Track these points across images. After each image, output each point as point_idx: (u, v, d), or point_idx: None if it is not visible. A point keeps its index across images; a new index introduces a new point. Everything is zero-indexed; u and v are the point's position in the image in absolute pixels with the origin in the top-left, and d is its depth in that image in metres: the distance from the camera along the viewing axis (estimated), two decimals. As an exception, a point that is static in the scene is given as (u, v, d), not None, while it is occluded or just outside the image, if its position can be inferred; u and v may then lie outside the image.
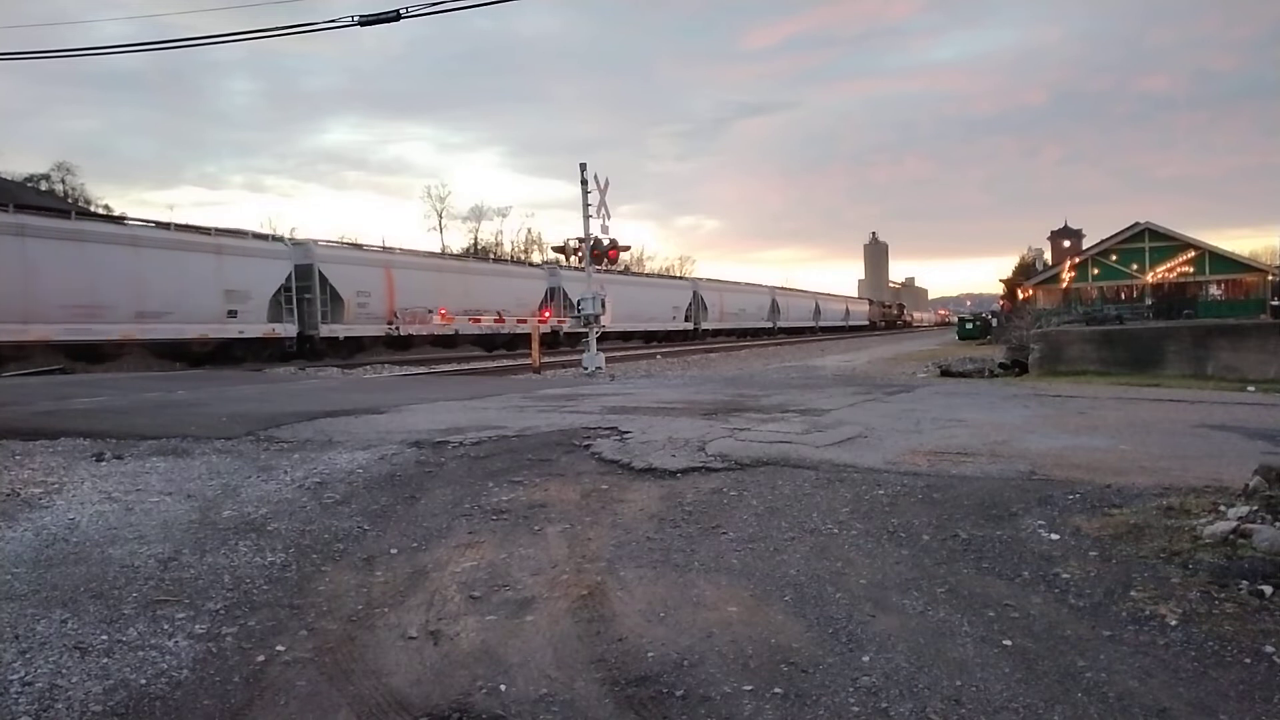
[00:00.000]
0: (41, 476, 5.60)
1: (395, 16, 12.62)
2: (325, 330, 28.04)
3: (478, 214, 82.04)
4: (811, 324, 73.77)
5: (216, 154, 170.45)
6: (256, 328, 25.97)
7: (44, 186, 53.08)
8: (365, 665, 2.96)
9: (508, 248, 78.78)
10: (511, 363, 25.84)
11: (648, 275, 60.90)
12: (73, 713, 2.66)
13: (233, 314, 25.29)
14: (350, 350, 29.11)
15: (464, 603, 3.47)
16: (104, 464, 6.03)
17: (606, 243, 19.60)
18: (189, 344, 24.27)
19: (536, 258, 70.98)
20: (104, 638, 3.16)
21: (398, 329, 30.03)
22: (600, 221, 19.28)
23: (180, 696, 2.78)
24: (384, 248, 29.97)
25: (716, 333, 55.01)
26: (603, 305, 19.35)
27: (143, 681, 2.86)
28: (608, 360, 22.38)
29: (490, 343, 35.03)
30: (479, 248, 75.45)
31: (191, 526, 4.50)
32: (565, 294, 38.74)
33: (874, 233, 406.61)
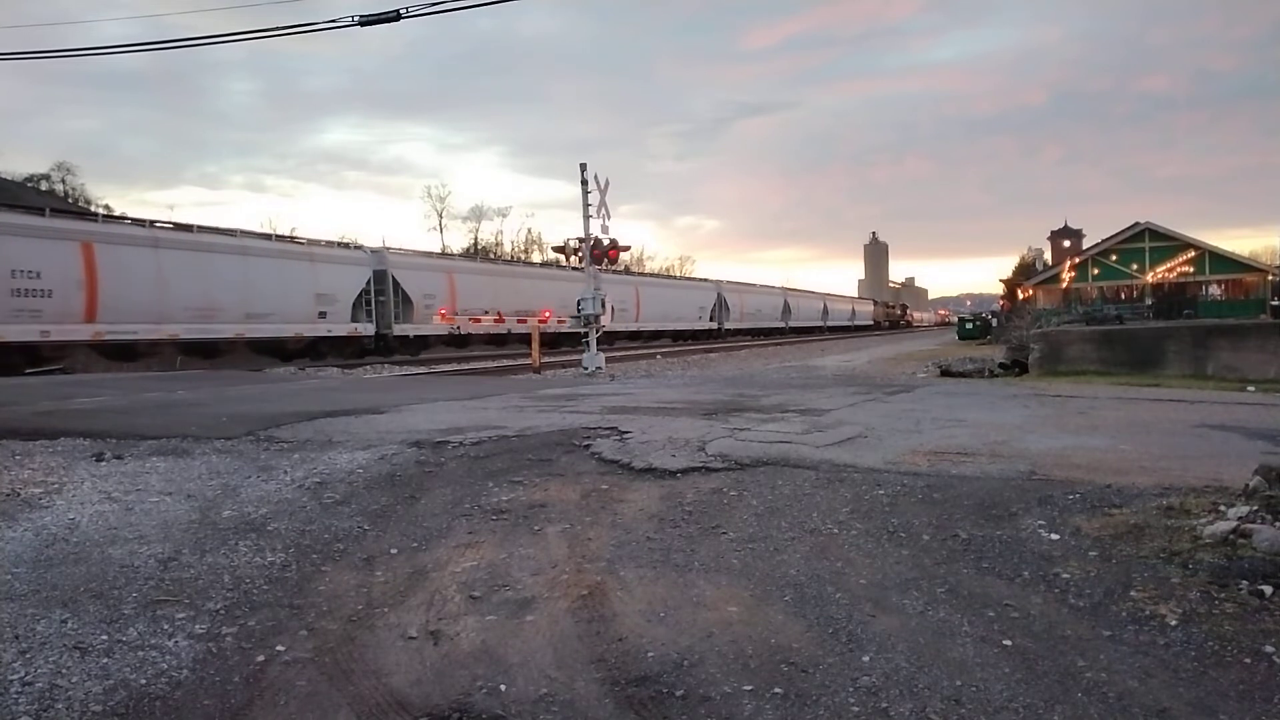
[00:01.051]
0: (41, 476, 5.60)
1: (395, 16, 12.62)
2: (398, 329, 30.86)
3: (478, 214, 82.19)
4: (820, 323, 76.58)
5: (217, 154, 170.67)
6: (342, 327, 28.86)
7: (44, 186, 53.09)
8: (365, 665, 2.96)
9: (508, 248, 78.88)
10: (511, 363, 26.26)
11: (676, 278, 64.99)
12: (73, 713, 2.66)
13: (323, 315, 28.16)
14: (418, 347, 31.86)
15: (464, 603, 3.47)
16: (104, 464, 6.03)
17: (606, 243, 19.60)
18: (286, 342, 26.89)
19: (536, 258, 71.12)
20: (104, 638, 3.16)
21: (458, 328, 32.21)
22: (600, 221, 19.30)
23: (180, 696, 2.78)
24: (446, 254, 32.10)
25: (736, 332, 57.45)
26: (603, 305, 19.35)
27: (143, 681, 2.86)
28: (609, 360, 22.40)
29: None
30: (479, 248, 75.45)
31: (191, 526, 4.50)
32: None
33: (874, 233, 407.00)
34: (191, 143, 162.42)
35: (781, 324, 66.19)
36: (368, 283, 30.12)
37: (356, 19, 13.03)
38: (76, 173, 58.25)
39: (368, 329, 30.01)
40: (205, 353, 24.50)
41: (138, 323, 22.45)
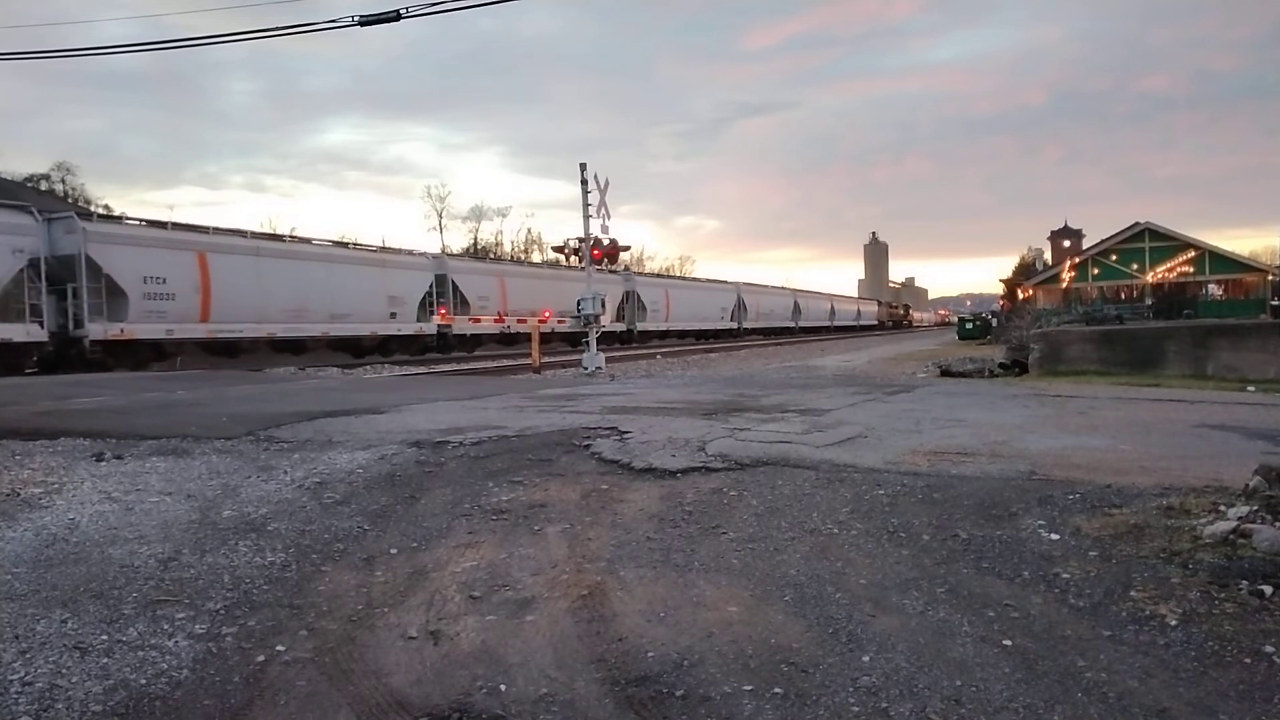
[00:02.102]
0: (41, 476, 5.60)
1: (395, 16, 12.62)
2: (456, 329, 34.27)
3: (477, 214, 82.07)
4: (827, 323, 79.62)
5: (217, 154, 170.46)
6: (410, 326, 31.81)
7: (44, 186, 52.98)
8: (365, 665, 2.96)
9: (508, 248, 78.82)
10: (511, 363, 26.40)
11: (700, 280, 66.92)
12: (73, 713, 2.66)
13: (393, 315, 31.09)
14: (473, 345, 35.35)
15: (464, 603, 3.47)
16: (104, 464, 6.03)
17: (606, 242, 19.63)
18: (361, 340, 29.77)
19: (536, 257, 71.21)
20: (104, 638, 3.16)
21: (509, 327, 35.96)
22: (600, 221, 19.35)
23: (180, 696, 2.78)
24: (497, 258, 36.02)
25: (753, 331, 59.55)
26: (602, 305, 19.37)
27: (143, 681, 2.86)
28: (609, 360, 22.41)
29: (576, 339, 42.09)
30: (479, 247, 75.43)
31: (191, 526, 4.50)
32: (639, 297, 46.49)
33: (874, 233, 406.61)
34: (192, 143, 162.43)
35: (792, 324, 68.61)
36: (431, 285, 32.96)
37: (356, 19, 13.03)
38: (76, 173, 58.13)
39: (431, 328, 32.75)
40: (294, 349, 27.62)
41: (242, 322, 25.27)
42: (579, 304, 19.88)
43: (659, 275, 55.69)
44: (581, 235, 19.74)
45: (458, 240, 78.24)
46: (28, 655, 3.00)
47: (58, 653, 3.03)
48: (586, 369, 19.28)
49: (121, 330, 22.16)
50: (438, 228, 77.49)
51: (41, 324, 20.92)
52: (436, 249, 44.80)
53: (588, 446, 6.35)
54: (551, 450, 6.28)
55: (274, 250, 27.57)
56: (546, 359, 25.03)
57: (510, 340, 36.71)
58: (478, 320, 34.74)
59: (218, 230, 26.60)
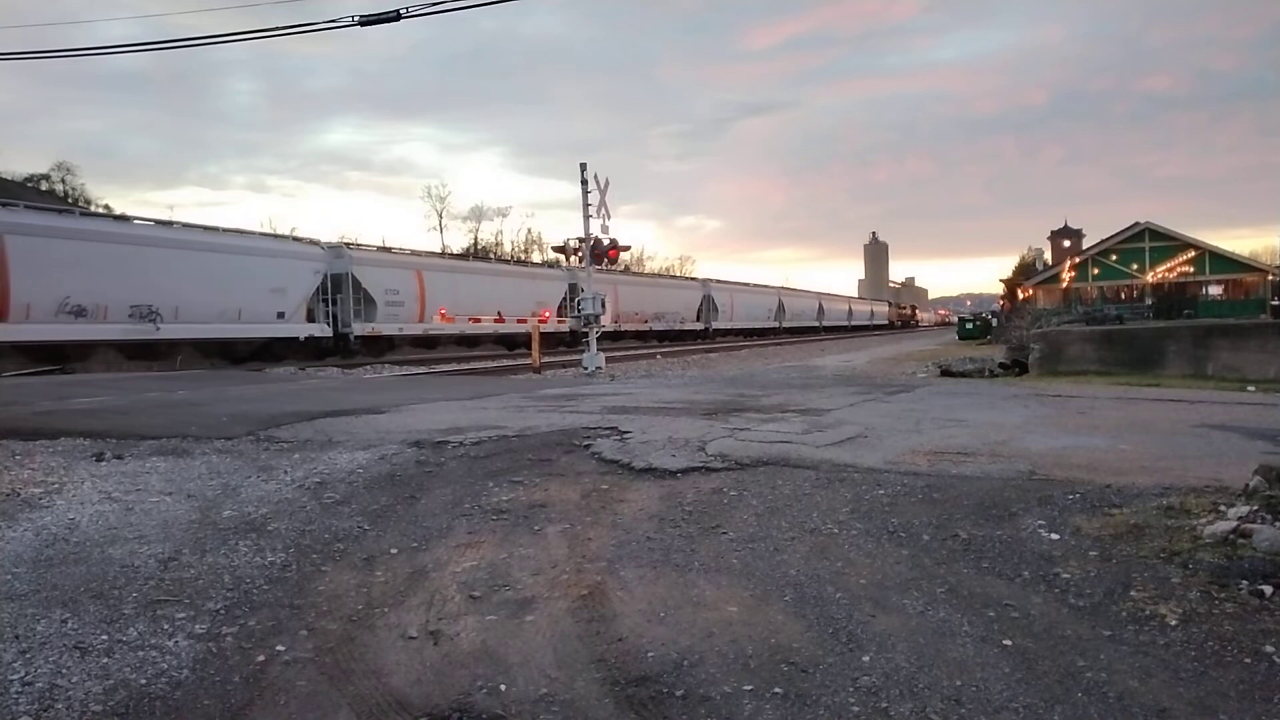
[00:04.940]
0: (42, 476, 5.60)
1: (395, 16, 12.62)
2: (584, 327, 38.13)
3: (478, 214, 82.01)
4: (843, 323, 79.78)
5: (219, 154, 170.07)
6: (551, 324, 36.00)
7: (44, 186, 52.97)
8: (365, 665, 2.96)
9: (508, 248, 78.79)
10: (511, 362, 26.50)
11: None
12: (73, 713, 2.66)
13: (533, 313, 35.03)
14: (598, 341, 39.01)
15: (464, 603, 3.47)
16: (104, 464, 6.03)
17: (606, 243, 19.61)
18: (515, 336, 34.83)
19: (536, 257, 71.24)
20: (104, 638, 3.16)
21: (619, 325, 42.80)
22: (600, 221, 19.32)
23: (180, 696, 2.78)
24: (609, 270, 37.84)
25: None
26: (603, 305, 19.36)
27: (143, 681, 2.86)
28: (608, 360, 22.41)
29: (659, 336, 48.85)
30: (479, 248, 75.45)
31: (191, 526, 4.50)
32: (713, 301, 53.68)
33: (874, 232, 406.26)
34: (193, 143, 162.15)
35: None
36: (566, 291, 38.74)
37: (357, 19, 13.03)
38: (76, 173, 57.99)
39: (567, 326, 36.59)
40: (470, 344, 34.55)
41: (438, 322, 31.72)
42: (579, 304, 19.86)
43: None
44: (582, 235, 19.72)
45: (458, 240, 78.35)
46: (28, 655, 3.00)
47: (58, 653, 3.03)
48: (586, 369, 19.28)
49: (373, 328, 29.33)
50: (438, 228, 77.58)
51: (329, 323, 28.32)
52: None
53: (588, 446, 6.35)
54: (551, 450, 6.28)
55: (464, 268, 36.92)
56: (547, 359, 25.23)
57: (617, 336, 41.58)
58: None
59: (429, 254, 36.65)
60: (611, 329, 43.36)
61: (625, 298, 45.57)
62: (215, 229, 27.19)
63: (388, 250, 36.56)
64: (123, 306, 22.41)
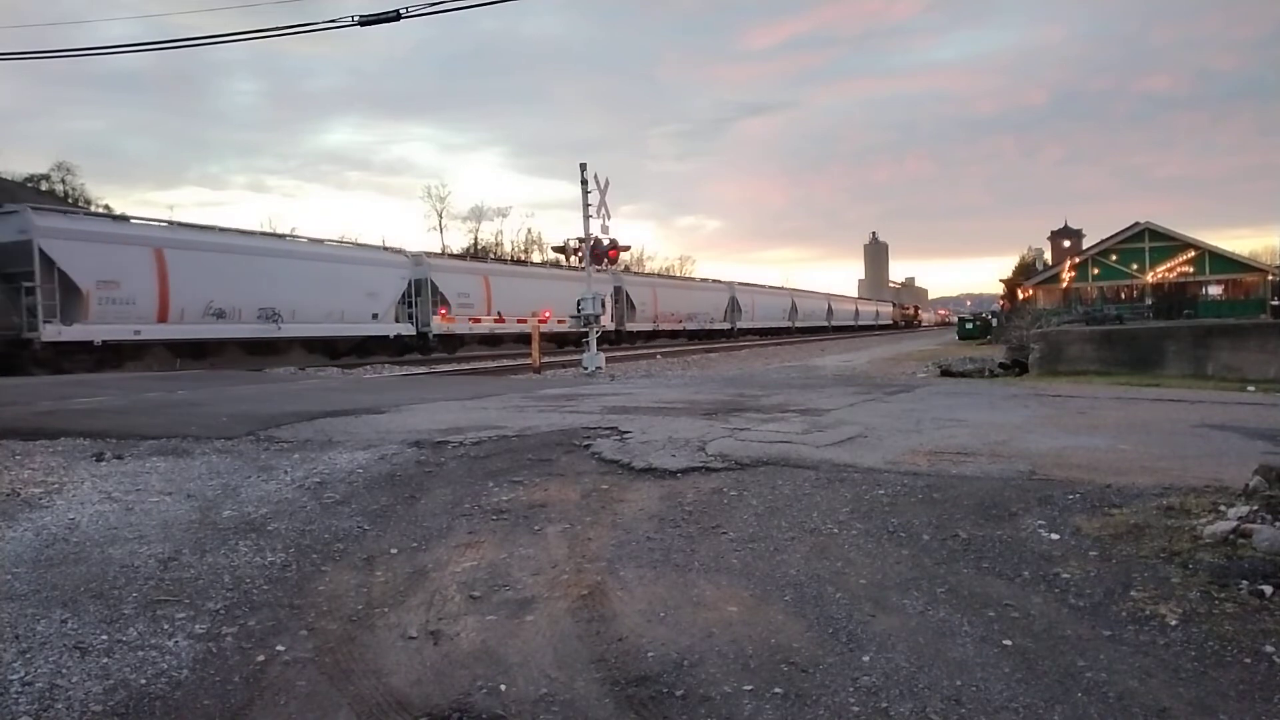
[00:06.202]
0: (41, 476, 5.60)
1: (395, 16, 12.63)
2: (627, 326, 44.61)
3: (478, 214, 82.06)
4: (849, 322, 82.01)
5: (219, 154, 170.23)
6: (608, 320, 38.96)
7: (44, 187, 52.96)
8: (365, 665, 2.96)
9: (508, 248, 78.82)
10: (511, 362, 26.56)
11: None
12: (73, 713, 2.66)
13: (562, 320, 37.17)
14: (634, 339, 44.58)
15: (464, 603, 3.47)
16: (104, 464, 6.03)
17: (606, 243, 19.62)
18: (567, 336, 35.60)
19: (536, 257, 71.32)
20: (104, 638, 3.16)
21: (658, 325, 47.40)
22: (600, 221, 19.34)
23: (180, 696, 2.78)
24: (647, 273, 42.65)
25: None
26: (603, 305, 19.36)
27: (143, 681, 2.86)
28: (609, 360, 22.41)
29: (690, 335, 52.33)
30: (479, 248, 75.44)
31: (191, 526, 4.50)
32: (737, 302, 57.23)
33: (874, 232, 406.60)
34: (193, 143, 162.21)
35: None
36: (612, 292, 41.03)
37: (357, 19, 13.03)
38: (76, 173, 57.91)
39: (608, 325, 38.85)
40: (527, 340, 35.45)
41: (503, 320, 35.47)
42: (579, 304, 19.87)
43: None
44: (581, 235, 19.72)
45: (458, 240, 78.38)
46: (28, 655, 3.00)
47: (58, 653, 3.03)
48: (586, 369, 19.27)
49: (448, 328, 32.58)
50: (438, 228, 77.57)
51: (412, 324, 31.33)
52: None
53: (588, 446, 6.35)
54: (552, 450, 6.28)
55: (522, 273, 41.20)
56: (546, 359, 25.32)
57: (653, 335, 45.89)
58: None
59: (494, 258, 41.59)
60: (649, 328, 48.09)
61: (664, 299, 50.27)
62: (320, 240, 32.26)
63: (459, 257, 42.24)
64: (252, 309, 25.57)
